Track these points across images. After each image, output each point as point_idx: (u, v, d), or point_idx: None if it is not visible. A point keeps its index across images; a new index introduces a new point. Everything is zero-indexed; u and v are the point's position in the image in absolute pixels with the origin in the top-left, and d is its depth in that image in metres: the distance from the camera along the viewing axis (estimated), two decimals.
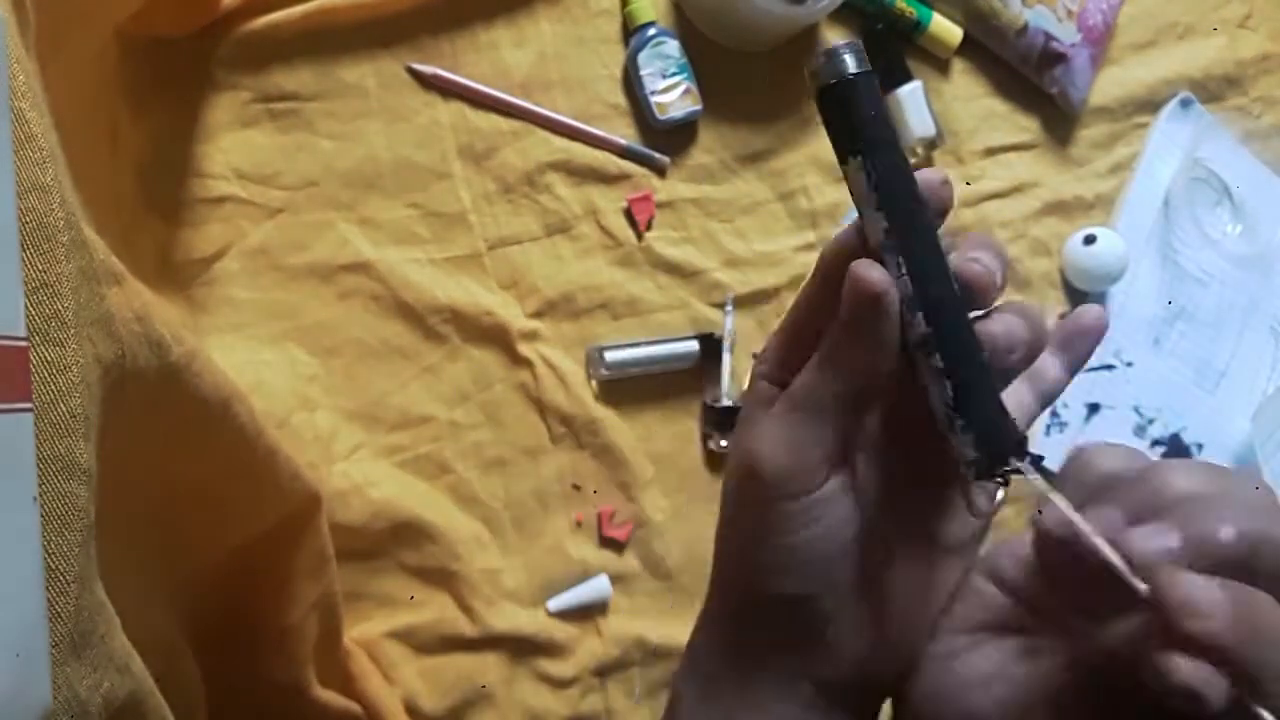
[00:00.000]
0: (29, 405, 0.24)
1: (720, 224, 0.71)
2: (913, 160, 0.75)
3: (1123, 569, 0.22)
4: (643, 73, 0.68)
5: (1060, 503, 0.24)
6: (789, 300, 0.63)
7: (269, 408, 0.60)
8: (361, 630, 0.62)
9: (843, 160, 0.27)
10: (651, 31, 0.68)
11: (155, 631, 0.38)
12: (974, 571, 0.30)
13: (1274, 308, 0.86)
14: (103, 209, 0.52)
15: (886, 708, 0.33)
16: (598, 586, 0.66)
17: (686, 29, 0.71)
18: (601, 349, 0.66)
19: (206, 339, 0.61)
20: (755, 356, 0.33)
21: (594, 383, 0.68)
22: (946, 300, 0.27)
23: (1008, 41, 0.77)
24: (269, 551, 0.48)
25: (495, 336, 0.66)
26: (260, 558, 0.47)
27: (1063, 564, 0.24)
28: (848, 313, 0.27)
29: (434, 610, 0.63)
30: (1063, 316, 0.84)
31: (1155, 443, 0.81)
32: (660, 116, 0.68)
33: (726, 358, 0.69)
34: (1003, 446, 0.26)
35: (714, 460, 0.69)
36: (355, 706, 0.57)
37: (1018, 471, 0.26)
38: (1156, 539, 0.22)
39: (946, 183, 0.28)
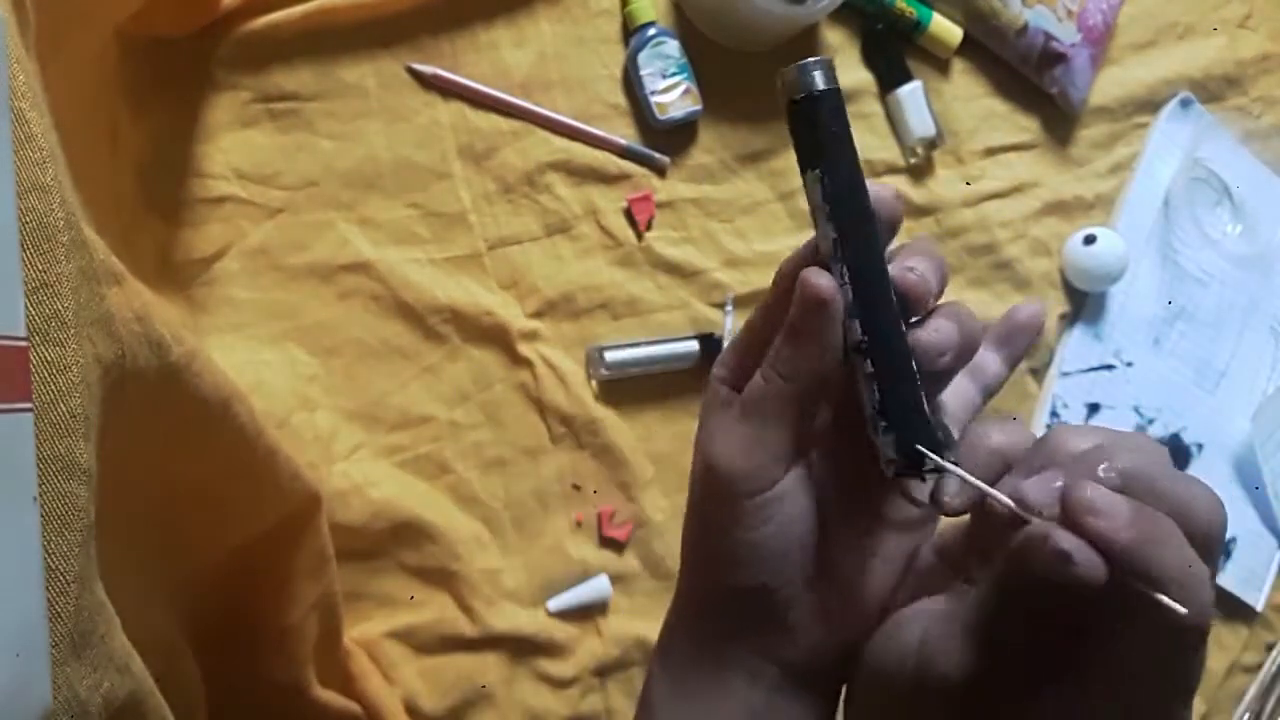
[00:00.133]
0: (29, 405, 0.24)
1: (720, 224, 0.71)
2: (913, 160, 0.75)
3: (1013, 507, 0.26)
4: (643, 73, 0.68)
5: (965, 476, 0.27)
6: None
7: (269, 408, 0.60)
8: (361, 630, 0.62)
9: (803, 171, 0.29)
10: (651, 31, 0.68)
11: (155, 631, 0.38)
12: (921, 549, 0.33)
13: (1274, 308, 0.86)
14: (103, 209, 0.52)
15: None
16: (598, 586, 0.66)
17: (686, 29, 0.71)
18: (601, 349, 0.66)
19: (206, 339, 0.61)
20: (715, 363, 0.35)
21: (594, 383, 0.68)
22: (881, 309, 0.29)
23: (1008, 41, 0.77)
24: (269, 551, 0.48)
25: (495, 336, 0.66)
26: (260, 558, 0.48)
27: (984, 529, 0.29)
28: (796, 317, 0.29)
29: (434, 610, 0.63)
30: (1063, 317, 0.85)
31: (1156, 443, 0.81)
32: (660, 116, 0.68)
33: None
34: (915, 450, 0.28)
35: None
36: (355, 706, 0.57)
37: (934, 471, 0.28)
38: (1043, 483, 0.26)
39: (897, 197, 0.30)
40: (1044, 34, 0.76)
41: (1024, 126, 0.80)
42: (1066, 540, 0.24)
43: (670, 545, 0.68)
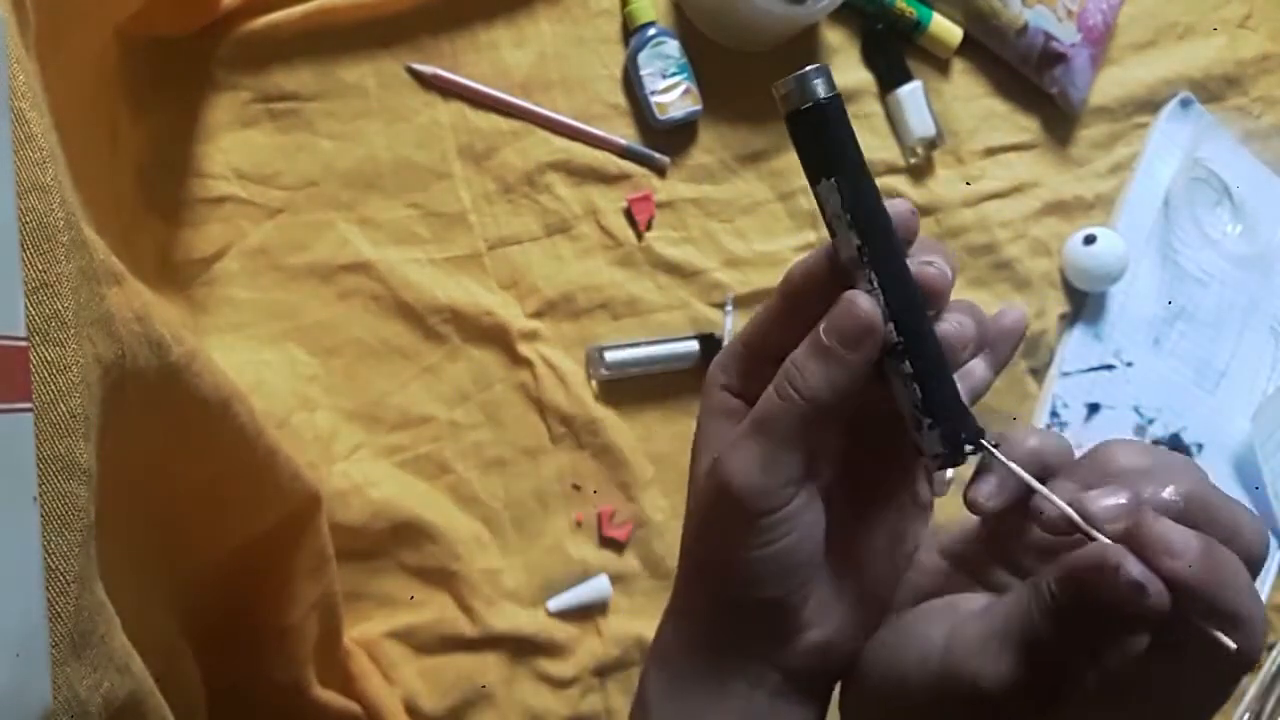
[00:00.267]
0: (29, 405, 0.24)
1: (720, 224, 0.71)
2: (913, 160, 0.75)
3: (1083, 525, 0.25)
4: (643, 73, 0.68)
5: (1026, 478, 0.27)
6: None
7: (269, 408, 0.60)
8: (361, 630, 0.62)
9: (814, 181, 0.29)
10: (651, 31, 0.68)
11: (155, 631, 0.38)
12: (920, 549, 0.33)
13: (1274, 308, 0.86)
14: (103, 209, 0.52)
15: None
16: (598, 586, 0.66)
17: (686, 29, 0.71)
18: (601, 349, 0.66)
19: (206, 339, 0.61)
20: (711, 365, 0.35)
21: (594, 383, 0.68)
22: (913, 310, 0.29)
23: (1008, 41, 0.77)
24: (269, 551, 0.48)
25: (495, 336, 0.66)
26: (260, 558, 0.48)
27: (1009, 529, 0.29)
28: (833, 338, 0.29)
29: (434, 610, 0.63)
30: (1063, 317, 0.84)
31: (1155, 443, 0.82)
32: (660, 116, 0.68)
33: None
34: (964, 441, 0.29)
35: None
36: (355, 706, 0.57)
37: (977, 453, 0.29)
38: (1110, 498, 0.25)
39: (913, 212, 0.30)
40: (1044, 34, 0.76)
41: (1024, 126, 0.80)
42: (1140, 570, 0.23)
43: (670, 545, 0.68)
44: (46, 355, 0.24)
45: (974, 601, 0.30)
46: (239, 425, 0.39)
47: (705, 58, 0.70)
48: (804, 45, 0.74)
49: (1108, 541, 0.25)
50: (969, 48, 0.77)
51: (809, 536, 0.31)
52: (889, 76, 0.75)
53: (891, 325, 0.28)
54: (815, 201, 0.29)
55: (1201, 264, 0.83)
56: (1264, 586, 0.82)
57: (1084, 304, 0.80)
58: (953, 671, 0.28)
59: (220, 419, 0.38)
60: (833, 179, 0.28)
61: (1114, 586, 0.24)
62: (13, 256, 0.24)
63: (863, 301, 0.28)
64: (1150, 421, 0.81)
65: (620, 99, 0.70)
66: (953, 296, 0.31)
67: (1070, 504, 0.26)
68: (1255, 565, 0.25)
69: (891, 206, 0.29)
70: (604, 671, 0.66)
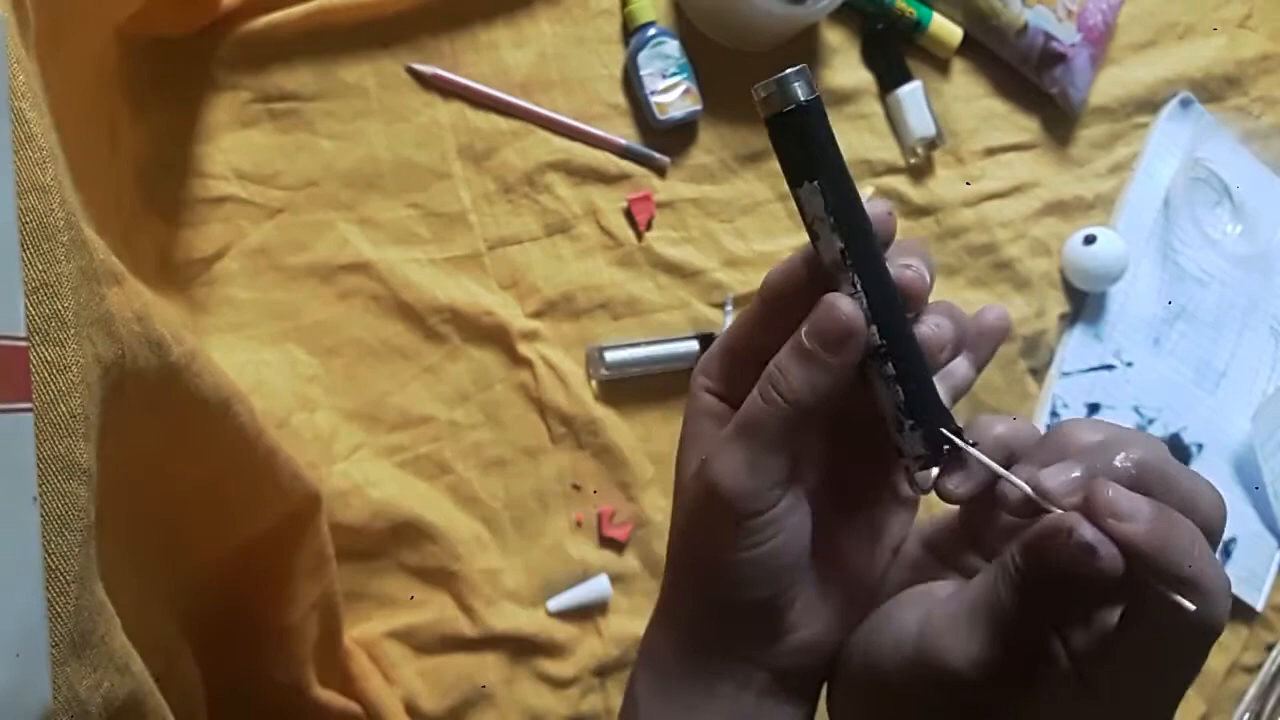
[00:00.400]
0: (29, 405, 0.24)
1: (720, 224, 0.71)
2: (913, 160, 0.75)
3: (1033, 495, 0.26)
4: (643, 73, 0.68)
5: (989, 464, 0.28)
6: None
7: (269, 408, 0.60)
8: (361, 630, 0.62)
9: (796, 184, 0.29)
10: (651, 31, 0.68)
11: (155, 631, 0.39)
12: (906, 544, 0.34)
13: (1274, 308, 0.86)
14: (103, 209, 0.52)
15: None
16: (598, 586, 0.66)
17: (686, 29, 0.71)
18: (601, 349, 0.66)
19: (206, 339, 0.61)
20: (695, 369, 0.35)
21: (594, 383, 0.68)
22: (895, 312, 0.29)
23: (1008, 41, 0.77)
24: (269, 551, 0.48)
25: (495, 336, 0.66)
26: (260, 558, 0.48)
27: (982, 516, 0.30)
28: (814, 342, 0.29)
29: (434, 610, 0.63)
30: (1063, 317, 0.85)
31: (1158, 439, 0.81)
32: (660, 116, 0.68)
33: None
34: (944, 441, 0.29)
35: None
36: (355, 706, 0.57)
37: (956, 456, 0.29)
38: (1064, 473, 0.26)
39: (891, 213, 0.30)
40: (1044, 34, 0.76)
41: (1024, 126, 0.80)
42: (1091, 533, 0.24)
43: None
44: (46, 355, 0.24)
45: (948, 587, 0.31)
46: (239, 425, 0.39)
47: (705, 58, 0.70)
48: (804, 45, 0.74)
49: (1060, 513, 0.25)
50: (969, 48, 0.77)
51: (795, 538, 0.31)
52: (889, 76, 0.75)
53: (874, 328, 0.29)
54: (795, 204, 0.29)
55: (1201, 264, 0.83)
56: (1264, 586, 0.82)
57: (1084, 304, 0.80)
58: (925, 654, 0.28)
59: (220, 419, 0.38)
60: (815, 182, 0.28)
61: (1068, 551, 0.24)
62: (13, 256, 0.24)
63: (844, 304, 0.28)
64: (1150, 421, 0.81)
65: (620, 99, 0.70)
66: (953, 296, 0.31)
67: (1028, 483, 0.27)
68: (1213, 535, 0.26)
69: (870, 208, 0.29)
70: (604, 671, 0.66)
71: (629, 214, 0.69)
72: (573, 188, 0.68)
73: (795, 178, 0.29)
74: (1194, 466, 0.81)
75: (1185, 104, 0.83)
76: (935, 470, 0.30)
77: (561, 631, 0.65)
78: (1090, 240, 0.77)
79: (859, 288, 0.28)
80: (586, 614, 0.66)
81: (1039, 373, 0.79)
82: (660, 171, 0.70)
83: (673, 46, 0.68)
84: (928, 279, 0.30)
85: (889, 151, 0.75)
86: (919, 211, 0.76)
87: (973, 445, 0.28)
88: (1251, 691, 0.80)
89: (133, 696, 0.27)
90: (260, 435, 0.41)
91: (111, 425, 0.28)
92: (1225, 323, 0.84)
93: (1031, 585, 0.26)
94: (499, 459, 0.66)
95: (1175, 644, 0.25)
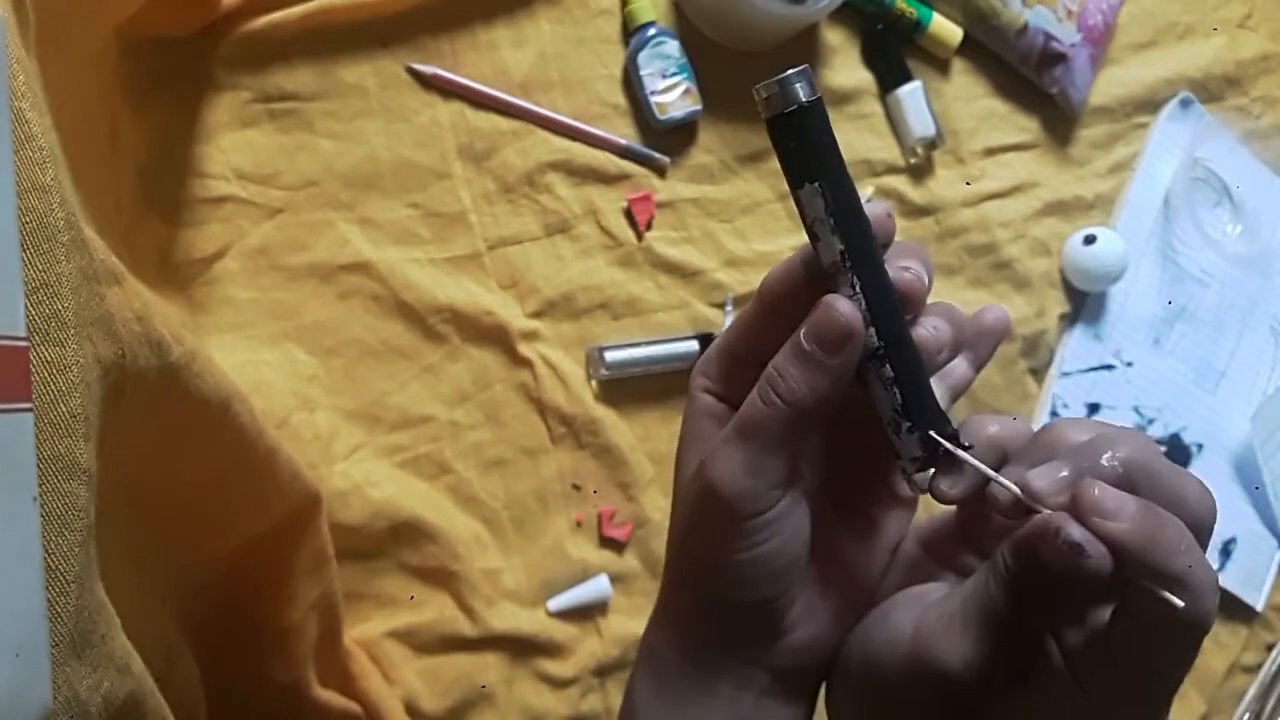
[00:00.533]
0: (29, 405, 0.24)
1: (720, 224, 0.71)
2: (913, 160, 0.75)
3: (1021, 495, 0.27)
4: (643, 73, 0.68)
5: (980, 467, 0.28)
6: None
7: (269, 408, 0.60)
8: (361, 630, 0.62)
9: (797, 186, 0.29)
10: (651, 31, 0.68)
11: (155, 631, 0.39)
12: (904, 544, 0.34)
13: (1274, 308, 0.86)
14: (103, 209, 0.52)
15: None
16: (598, 586, 0.66)
17: (686, 29, 0.71)
18: (601, 349, 0.66)
19: (206, 339, 0.61)
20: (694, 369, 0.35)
21: (594, 383, 0.68)
22: (894, 315, 0.29)
23: (1008, 41, 0.77)
24: (269, 551, 0.48)
25: (495, 336, 0.66)
26: (260, 558, 0.48)
27: (976, 516, 0.30)
28: (813, 343, 0.29)
29: (434, 610, 0.63)
30: (1063, 317, 0.85)
31: (1155, 443, 0.81)
32: (660, 116, 0.68)
33: None
34: (937, 445, 0.29)
35: None
36: (355, 706, 0.57)
37: (951, 457, 0.29)
38: (1052, 473, 0.26)
39: (890, 215, 0.30)
40: (1044, 34, 0.76)
41: (1024, 126, 0.80)
42: (1078, 532, 0.24)
43: None
44: (46, 355, 0.24)
45: (943, 588, 0.31)
46: (239, 425, 0.39)
47: (705, 58, 0.70)
48: (804, 45, 0.74)
49: (1046, 512, 0.26)
50: (969, 48, 0.77)
51: (794, 538, 0.31)
52: (889, 76, 0.75)
53: (872, 330, 0.29)
54: (795, 205, 0.29)
55: (1201, 264, 0.83)
56: (1264, 586, 0.82)
57: (1084, 304, 0.80)
58: (919, 655, 0.28)
59: (220, 419, 0.38)
60: (816, 183, 0.28)
61: (1057, 550, 0.24)
62: (13, 256, 0.24)
63: (843, 306, 0.28)
64: (1150, 421, 0.81)
65: (620, 99, 0.70)
66: (953, 296, 0.31)
67: (1017, 483, 0.27)
68: (1202, 532, 0.26)
69: (870, 210, 0.29)
70: (604, 671, 0.66)
71: (629, 214, 0.69)
72: (573, 188, 0.68)
73: (796, 179, 0.29)
74: (1194, 466, 0.82)
75: (1185, 104, 0.83)
76: (931, 471, 0.30)
77: (561, 631, 0.65)
78: (1090, 240, 0.77)
79: (858, 290, 0.28)
80: (586, 614, 0.66)
81: (1039, 373, 0.79)
82: (660, 171, 0.70)
83: (673, 46, 0.68)
84: (926, 281, 0.30)
85: (889, 151, 0.75)
86: (919, 211, 0.76)
87: (968, 448, 0.29)
88: (1251, 691, 0.80)
89: (133, 696, 0.27)
90: (260, 435, 0.41)
91: (111, 425, 0.28)
92: (1225, 323, 0.84)
93: (1022, 585, 0.26)
94: (499, 459, 0.66)
95: (1165, 641, 0.25)
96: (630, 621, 0.67)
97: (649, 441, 0.68)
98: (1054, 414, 0.78)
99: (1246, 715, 0.80)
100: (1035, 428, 0.30)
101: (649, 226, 0.69)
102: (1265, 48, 0.86)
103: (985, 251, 0.77)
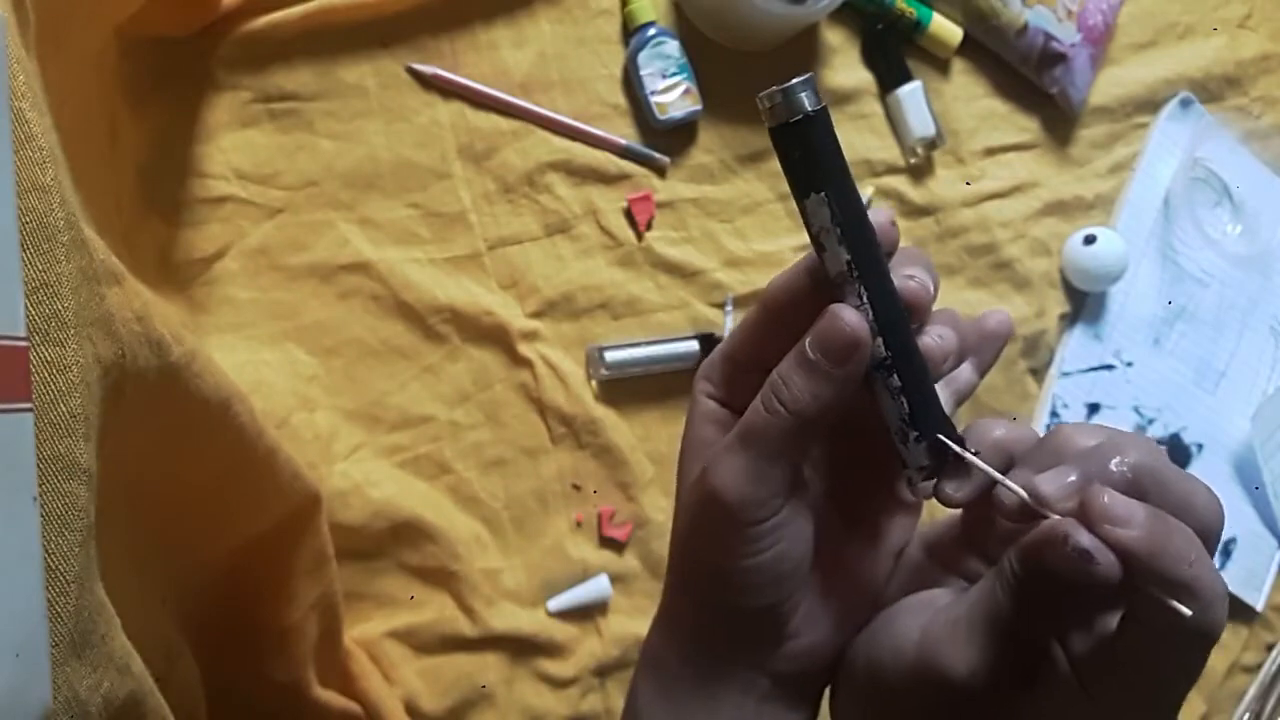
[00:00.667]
0: (29, 405, 0.24)
1: (720, 224, 0.71)
2: (913, 160, 0.75)
3: (1029, 500, 0.26)
4: (643, 73, 0.68)
5: (989, 471, 0.28)
6: None
7: (269, 408, 0.60)
8: (361, 630, 0.62)
9: (802, 195, 0.28)
10: (651, 31, 0.68)
11: (155, 631, 0.39)
12: (909, 548, 0.34)
13: (1274, 308, 0.86)
14: (103, 209, 0.52)
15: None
16: (598, 586, 0.66)
17: (686, 29, 0.71)
18: (601, 349, 0.66)
19: (206, 339, 0.61)
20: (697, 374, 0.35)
21: (594, 383, 0.68)
22: (900, 325, 0.29)
23: (1008, 41, 0.77)
24: (269, 551, 0.48)
25: (495, 336, 0.66)
26: (260, 558, 0.48)
27: (982, 520, 0.30)
28: (819, 353, 0.29)
29: (434, 610, 0.63)
30: (1063, 317, 0.85)
31: (1155, 443, 0.81)
32: (660, 116, 0.68)
33: None
34: (948, 452, 0.29)
35: None
36: (355, 706, 0.57)
37: (957, 462, 0.29)
38: (1060, 478, 0.26)
39: (893, 223, 0.30)
40: (1044, 34, 0.76)
41: (1024, 126, 0.80)
42: (1087, 539, 0.24)
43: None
44: (46, 355, 0.24)
45: (948, 594, 0.31)
46: (239, 425, 0.39)
47: (705, 58, 0.70)
48: (804, 45, 0.74)
49: (1056, 517, 0.25)
50: (969, 48, 0.77)
51: (797, 544, 0.31)
52: (889, 76, 0.75)
53: (879, 340, 0.28)
54: (800, 215, 0.29)
55: (1201, 264, 0.83)
56: (1264, 586, 0.82)
57: (1084, 304, 0.80)
58: (925, 663, 0.28)
59: (220, 419, 0.38)
60: (823, 193, 0.28)
61: (1065, 557, 0.24)
62: (13, 256, 0.24)
63: (849, 316, 0.28)
64: (1150, 421, 0.81)
65: (620, 99, 0.70)
66: (953, 296, 0.31)
67: (1024, 488, 0.27)
68: (1210, 538, 0.26)
69: (872, 217, 0.29)
70: (604, 671, 0.66)
71: (629, 214, 0.69)
72: (573, 188, 0.68)
73: (802, 189, 0.28)
74: (1194, 466, 0.82)
75: (1185, 104, 0.83)
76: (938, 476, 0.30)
77: (561, 631, 0.65)
78: (1090, 240, 0.77)
79: (865, 300, 0.28)
80: (586, 614, 0.66)
81: (1039, 373, 0.79)
82: (660, 171, 0.70)
83: (673, 46, 0.68)
84: (931, 290, 0.30)
85: (889, 151, 0.75)
86: (919, 211, 0.76)
87: (975, 454, 0.29)
88: (1251, 691, 0.80)
89: (133, 696, 0.27)
90: (260, 435, 0.41)
91: (111, 425, 0.28)
92: (1225, 323, 0.84)
93: (1029, 591, 0.26)
94: (499, 459, 0.66)
95: (1173, 649, 0.25)
96: (630, 622, 0.67)
97: (649, 441, 0.68)
98: (1054, 414, 0.78)
99: (1246, 715, 0.80)
100: (1036, 428, 0.30)
101: (649, 226, 0.69)
102: (1265, 48, 0.86)
103: (985, 251, 0.77)
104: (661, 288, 0.70)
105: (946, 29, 0.75)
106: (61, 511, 0.24)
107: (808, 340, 0.29)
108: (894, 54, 0.75)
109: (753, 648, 0.33)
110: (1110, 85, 0.82)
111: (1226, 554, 0.81)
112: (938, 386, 0.30)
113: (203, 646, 0.43)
